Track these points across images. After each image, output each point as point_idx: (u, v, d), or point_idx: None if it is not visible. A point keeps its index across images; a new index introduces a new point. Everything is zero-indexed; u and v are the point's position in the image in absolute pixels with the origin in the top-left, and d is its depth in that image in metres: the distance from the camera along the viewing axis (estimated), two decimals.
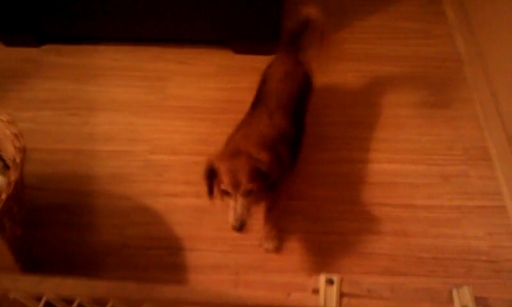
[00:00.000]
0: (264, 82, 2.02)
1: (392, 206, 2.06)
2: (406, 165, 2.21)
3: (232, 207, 1.53)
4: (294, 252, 1.96)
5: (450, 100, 2.48)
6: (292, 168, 1.86)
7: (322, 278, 0.78)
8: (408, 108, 2.45)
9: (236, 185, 1.52)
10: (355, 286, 0.78)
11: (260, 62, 2.65)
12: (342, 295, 0.77)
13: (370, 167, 2.20)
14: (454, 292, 0.76)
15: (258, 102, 1.97)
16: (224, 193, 1.56)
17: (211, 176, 1.60)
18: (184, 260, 1.94)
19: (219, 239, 1.99)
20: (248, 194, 1.54)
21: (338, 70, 2.65)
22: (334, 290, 0.77)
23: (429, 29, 2.88)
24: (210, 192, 1.63)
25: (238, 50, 2.73)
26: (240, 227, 1.52)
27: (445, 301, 0.74)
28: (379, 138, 2.32)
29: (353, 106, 2.47)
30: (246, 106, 2.45)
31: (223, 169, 1.55)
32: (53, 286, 0.92)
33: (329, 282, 0.78)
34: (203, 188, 1.63)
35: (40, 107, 2.50)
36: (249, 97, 2.50)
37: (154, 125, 2.41)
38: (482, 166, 2.20)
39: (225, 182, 1.53)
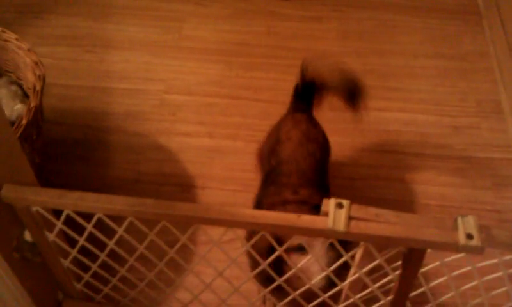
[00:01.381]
0: (278, 142, 1.62)
1: (402, 154, 2.09)
2: (418, 114, 2.22)
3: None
4: None
5: (465, 53, 2.47)
6: None
7: (332, 202, 0.82)
8: (423, 59, 2.45)
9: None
10: (363, 210, 0.82)
11: (277, 6, 2.66)
12: (350, 218, 0.80)
13: (381, 115, 2.21)
14: (459, 220, 0.79)
15: (275, 172, 1.56)
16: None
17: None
18: (195, 197, 1.98)
19: (230, 179, 2.02)
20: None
21: (354, 17, 2.63)
22: (343, 213, 0.80)
23: None
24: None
25: None
26: None
27: (450, 228, 0.78)
28: (393, 87, 2.32)
29: (367, 54, 2.47)
30: (261, 50, 2.47)
31: None
32: (73, 200, 0.96)
33: (339, 206, 0.81)
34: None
35: (57, 43, 2.51)
36: (264, 41, 2.52)
37: (169, 65, 2.42)
38: (494, 119, 2.21)
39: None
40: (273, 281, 1.10)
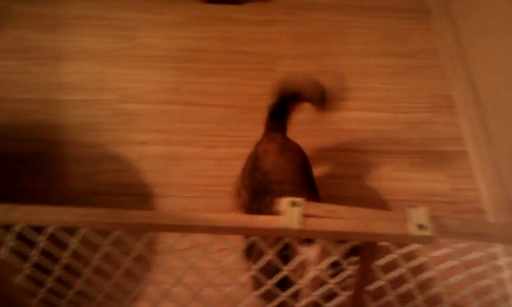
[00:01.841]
0: (257, 159, 1.63)
1: (358, 152, 2.12)
2: (373, 113, 2.26)
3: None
4: None
5: (416, 50, 2.52)
6: None
7: (286, 200, 0.82)
8: (375, 58, 2.49)
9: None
10: (317, 207, 0.82)
11: (230, 11, 2.66)
12: (305, 216, 0.81)
13: (337, 114, 2.23)
14: (411, 211, 0.80)
15: (264, 183, 1.55)
16: None
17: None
18: (154, 206, 1.95)
19: (189, 185, 2.01)
20: None
21: (306, 19, 2.66)
22: (297, 211, 0.81)
23: None
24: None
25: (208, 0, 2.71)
26: None
27: (402, 220, 0.79)
28: (346, 87, 2.35)
29: (321, 56, 2.49)
30: (216, 55, 2.47)
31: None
32: (24, 213, 0.93)
33: (293, 204, 0.81)
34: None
35: (6, 57, 2.46)
36: (219, 46, 2.51)
37: (123, 74, 2.39)
38: (446, 113, 2.26)
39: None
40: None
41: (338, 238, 0.81)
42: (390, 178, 2.04)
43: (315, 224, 0.79)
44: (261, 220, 0.81)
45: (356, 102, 2.29)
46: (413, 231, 0.76)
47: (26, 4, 2.68)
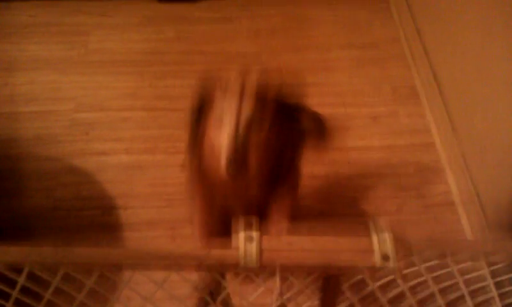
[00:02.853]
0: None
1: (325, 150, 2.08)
2: (336, 108, 2.22)
3: (228, 133, 1.08)
4: None
5: (377, 41, 2.49)
6: None
7: (242, 236, 0.77)
8: (336, 50, 2.45)
9: (240, 106, 1.11)
10: (275, 240, 0.77)
11: (186, 10, 2.58)
12: (262, 251, 0.76)
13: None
14: (374, 239, 0.76)
15: None
16: (218, 123, 1.12)
17: (200, 114, 1.23)
18: (117, 219, 1.89)
19: (152, 195, 1.95)
20: (255, 125, 1.11)
21: (264, 14, 2.61)
22: (253, 247, 0.76)
23: None
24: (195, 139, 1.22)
25: None
26: (239, 155, 1.06)
27: (366, 250, 0.74)
28: (309, 82, 2.30)
29: (281, 51, 2.45)
30: (173, 57, 2.40)
31: (220, 96, 1.16)
32: None
33: (249, 239, 0.76)
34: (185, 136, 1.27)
35: None
36: (175, 47, 2.44)
37: (78, 81, 2.31)
38: (411, 105, 2.24)
39: (224, 85, 1.15)
40: None
41: (300, 272, 0.77)
42: (358, 175, 2.01)
43: (275, 259, 0.74)
44: (216, 256, 0.76)
45: (320, 97, 2.23)
46: (378, 262, 0.72)
47: None
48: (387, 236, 0.74)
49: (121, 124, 2.15)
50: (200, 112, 1.22)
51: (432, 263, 0.85)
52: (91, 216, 1.90)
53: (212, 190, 1.25)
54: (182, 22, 2.54)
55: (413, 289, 0.97)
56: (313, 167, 2.01)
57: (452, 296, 0.97)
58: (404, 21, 2.47)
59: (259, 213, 1.19)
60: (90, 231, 1.85)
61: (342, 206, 1.91)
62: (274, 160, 1.22)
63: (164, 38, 2.49)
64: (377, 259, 0.72)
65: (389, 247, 0.73)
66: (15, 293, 1.04)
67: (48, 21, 2.55)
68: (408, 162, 2.05)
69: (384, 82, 2.31)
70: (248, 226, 0.74)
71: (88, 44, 2.46)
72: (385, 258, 0.72)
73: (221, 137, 1.09)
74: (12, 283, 1.03)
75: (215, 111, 1.14)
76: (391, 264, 0.71)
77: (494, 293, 1.00)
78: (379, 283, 0.90)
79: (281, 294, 0.86)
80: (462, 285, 0.91)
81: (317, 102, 2.19)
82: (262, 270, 0.73)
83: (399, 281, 0.85)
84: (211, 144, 1.15)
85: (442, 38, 2.12)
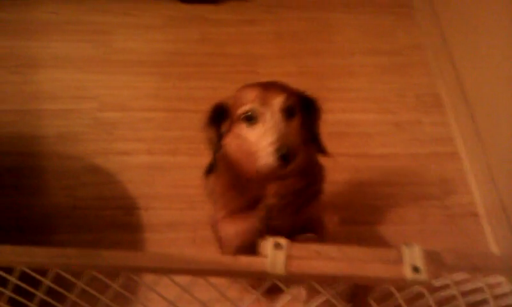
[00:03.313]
0: None
1: (346, 156, 2.06)
2: (359, 114, 2.20)
3: (269, 127, 1.09)
4: None
5: (401, 47, 2.47)
6: None
7: (270, 243, 0.76)
8: (359, 56, 2.44)
9: (267, 99, 1.12)
10: (304, 248, 0.76)
11: (209, 11, 2.58)
12: (290, 258, 0.75)
13: (322, 117, 2.18)
14: (405, 251, 0.75)
15: None
16: (248, 121, 1.13)
17: (219, 119, 1.23)
18: (139, 219, 1.89)
19: (174, 196, 1.95)
20: (289, 112, 1.13)
21: (288, 18, 2.60)
22: (282, 254, 0.75)
23: None
24: (217, 145, 1.21)
25: (185, 0, 2.63)
26: (287, 148, 1.05)
27: (395, 261, 0.73)
28: (331, 87, 2.30)
29: (303, 55, 2.44)
30: (196, 58, 2.40)
31: (244, 90, 1.17)
32: None
33: (277, 246, 0.76)
34: (202, 143, 1.25)
35: None
36: (198, 49, 2.45)
37: (101, 80, 2.32)
38: (435, 113, 2.21)
39: (249, 99, 1.12)
40: None
41: (327, 282, 0.76)
42: (380, 182, 1.99)
43: (303, 267, 0.73)
44: (244, 263, 0.76)
45: (342, 103, 2.24)
46: (408, 274, 0.70)
47: None
48: (417, 248, 0.73)
49: (144, 124, 2.16)
50: (222, 114, 1.22)
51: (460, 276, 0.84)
52: (111, 216, 1.90)
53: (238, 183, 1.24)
54: (206, 24, 2.54)
55: (439, 302, 0.96)
56: (335, 173, 2.00)
57: None
58: (429, 28, 2.45)
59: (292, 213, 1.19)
60: (111, 231, 1.86)
61: (363, 214, 1.89)
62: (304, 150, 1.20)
63: (187, 39, 2.49)
64: (407, 271, 0.71)
65: (419, 259, 0.71)
66: (40, 294, 1.05)
67: (72, 19, 2.57)
68: (432, 171, 2.03)
69: (407, 89, 2.29)
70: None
71: (112, 43, 2.47)
72: (415, 270, 0.71)
73: (256, 133, 1.11)
74: (36, 283, 1.04)
75: (241, 108, 1.14)
76: (421, 277, 0.70)
77: None
78: (406, 296, 0.89)
79: (307, 303, 0.85)
80: (491, 300, 0.90)
81: (339, 107, 2.21)
82: (287, 278, 0.73)
83: (427, 295, 0.84)
84: (238, 141, 1.16)
85: (468, 46, 2.10)
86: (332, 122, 2.16)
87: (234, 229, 1.26)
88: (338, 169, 2.02)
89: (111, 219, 1.89)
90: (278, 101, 1.11)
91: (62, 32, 2.52)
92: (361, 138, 2.13)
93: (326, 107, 2.18)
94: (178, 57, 2.41)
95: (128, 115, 2.19)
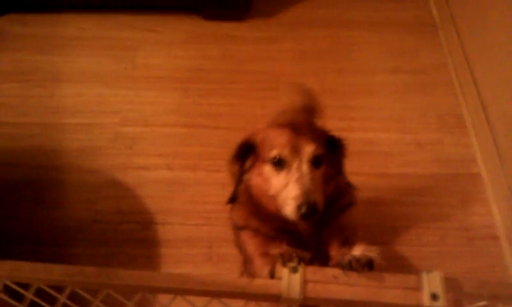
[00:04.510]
0: None
1: (366, 175, 2.04)
2: (380, 133, 2.19)
3: (295, 179, 1.08)
4: None
5: (424, 66, 2.45)
6: None
7: (286, 267, 0.76)
8: (381, 74, 2.42)
9: (297, 147, 1.10)
10: (320, 272, 0.75)
11: (232, 28, 2.59)
12: (305, 282, 0.74)
13: (343, 135, 2.16)
14: (424, 277, 0.73)
15: None
16: (275, 165, 1.12)
17: (244, 155, 1.21)
18: (156, 234, 1.90)
19: (191, 212, 1.95)
20: (316, 162, 1.12)
21: (310, 36, 2.60)
22: (298, 278, 0.74)
23: None
24: (239, 179, 1.21)
25: (207, 17, 2.65)
26: (311, 206, 1.03)
27: (414, 287, 0.72)
28: (353, 106, 2.28)
29: (325, 73, 2.43)
30: (218, 75, 2.41)
31: (274, 132, 1.15)
32: (8, 269, 0.88)
33: (293, 270, 0.75)
34: (226, 176, 1.27)
35: (4, 79, 2.41)
36: (220, 65, 2.45)
37: (123, 95, 2.34)
38: (457, 134, 2.18)
39: (279, 144, 1.10)
40: None
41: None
42: (399, 202, 1.97)
43: (319, 291, 0.72)
44: (259, 285, 0.75)
45: (363, 121, 2.22)
46: (427, 302, 0.69)
47: (22, 26, 2.64)
48: (437, 275, 0.71)
49: (164, 140, 2.17)
50: (247, 150, 1.21)
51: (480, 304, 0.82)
52: (129, 230, 1.91)
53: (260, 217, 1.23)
54: (228, 41, 2.55)
55: None
56: (356, 192, 1.98)
57: None
58: (452, 47, 2.42)
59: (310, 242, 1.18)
60: (128, 245, 1.86)
61: (382, 234, 1.87)
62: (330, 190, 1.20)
63: (209, 55, 2.50)
64: (425, 298, 0.69)
65: (438, 286, 0.70)
66: None
67: (97, 34, 2.60)
68: (452, 192, 2.00)
69: (429, 109, 2.27)
70: (293, 257, 0.73)
71: (135, 59, 2.49)
72: (434, 297, 0.69)
73: (281, 180, 1.11)
74: (52, 299, 1.04)
75: (266, 151, 1.14)
76: (440, 304, 0.69)
77: None
78: None
79: None
80: None
81: (361, 125, 2.20)
82: (305, 302, 0.72)
83: None
84: (262, 180, 1.16)
85: (491, 67, 2.07)
86: (353, 141, 2.11)
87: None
88: (357, 188, 2.00)
89: (128, 233, 1.90)
90: (307, 151, 1.10)
91: (87, 47, 2.55)
92: (382, 157, 2.10)
93: (347, 125, 2.19)
94: (200, 74, 2.42)
95: (149, 130, 2.21)
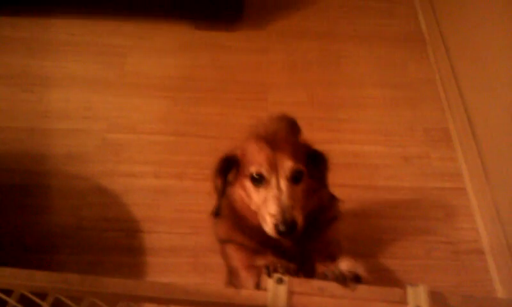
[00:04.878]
0: None
1: (353, 187, 2.05)
2: (367, 145, 2.20)
3: (272, 196, 1.07)
4: None
5: (412, 81, 2.48)
6: None
7: (272, 278, 0.76)
8: (370, 88, 2.44)
9: (275, 163, 1.10)
10: (305, 284, 0.76)
11: (221, 38, 2.60)
12: (291, 293, 0.74)
13: (330, 147, 2.15)
14: (409, 291, 0.74)
15: None
16: (254, 181, 1.12)
17: (227, 169, 1.20)
18: (141, 242, 1.89)
19: (177, 221, 1.94)
20: (295, 178, 1.11)
21: (300, 48, 2.61)
22: (283, 289, 0.74)
23: (392, 8, 2.86)
24: (222, 193, 1.21)
25: (198, 26, 2.65)
26: (289, 224, 1.03)
27: (399, 301, 0.72)
28: (341, 118, 2.30)
29: (314, 85, 2.44)
30: (207, 84, 2.41)
31: (253, 147, 1.14)
32: None
33: (279, 281, 0.75)
34: (211, 188, 1.23)
35: None
36: (210, 75, 2.46)
37: (112, 102, 2.33)
38: (443, 148, 2.20)
39: (257, 161, 1.10)
40: None
41: None
42: (386, 215, 1.98)
43: (305, 303, 0.73)
44: (245, 296, 0.75)
45: (350, 134, 2.23)
46: None
47: (12, 29, 2.62)
48: (422, 289, 0.72)
49: (152, 147, 2.16)
50: (230, 164, 1.21)
51: None
52: (115, 238, 1.90)
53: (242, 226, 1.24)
54: (218, 50, 2.55)
55: None
56: (341, 204, 1.99)
57: None
58: (440, 62, 2.45)
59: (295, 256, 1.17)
60: (113, 253, 1.85)
61: (368, 247, 1.88)
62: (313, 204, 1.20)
63: (199, 64, 2.50)
64: None
65: (424, 300, 0.70)
66: None
67: (87, 40, 2.59)
68: (438, 206, 2.01)
69: (416, 123, 2.29)
70: (279, 268, 0.73)
71: (124, 66, 2.48)
72: None
73: (261, 196, 1.11)
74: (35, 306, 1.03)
75: (247, 166, 1.14)
76: None
77: None
78: None
79: None
80: None
81: (348, 138, 2.21)
82: None
83: None
84: (244, 194, 1.17)
85: (479, 82, 2.09)
86: (340, 152, 2.16)
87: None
88: (344, 200, 2.00)
89: (113, 240, 1.89)
90: (286, 167, 1.10)
91: (77, 52, 2.54)
92: (368, 170, 2.12)
93: (334, 137, 2.20)
94: (189, 82, 2.42)
95: (137, 137, 2.20)
